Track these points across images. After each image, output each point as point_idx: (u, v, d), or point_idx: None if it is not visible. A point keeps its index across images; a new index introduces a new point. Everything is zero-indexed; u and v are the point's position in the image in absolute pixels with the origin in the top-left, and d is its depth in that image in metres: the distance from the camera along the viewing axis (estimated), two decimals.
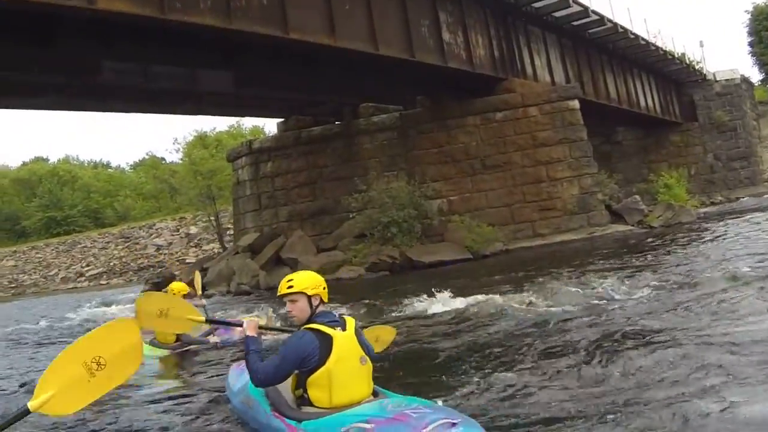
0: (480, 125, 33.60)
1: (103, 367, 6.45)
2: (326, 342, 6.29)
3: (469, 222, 31.61)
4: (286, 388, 6.75)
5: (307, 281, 6.67)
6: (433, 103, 34.42)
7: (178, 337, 13.87)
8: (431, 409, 5.68)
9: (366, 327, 8.29)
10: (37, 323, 25.27)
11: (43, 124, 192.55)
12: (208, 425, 8.16)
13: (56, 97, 26.78)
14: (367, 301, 18.42)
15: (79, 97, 27.27)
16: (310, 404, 6.39)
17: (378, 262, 29.91)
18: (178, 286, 14.76)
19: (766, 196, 50.87)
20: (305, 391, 6.41)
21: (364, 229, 31.82)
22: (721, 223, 29.86)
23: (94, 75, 23.28)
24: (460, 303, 15.04)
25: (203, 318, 8.86)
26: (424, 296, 16.12)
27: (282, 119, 37.93)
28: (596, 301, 12.77)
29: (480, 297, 15.01)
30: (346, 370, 6.29)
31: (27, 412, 6.25)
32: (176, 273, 40.30)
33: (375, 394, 6.53)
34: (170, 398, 9.94)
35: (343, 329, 6.41)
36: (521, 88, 34.06)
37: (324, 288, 6.68)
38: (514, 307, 13.35)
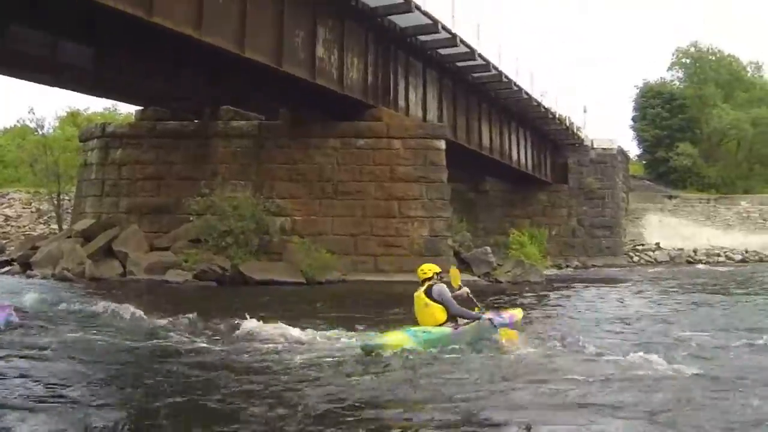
0: (339, 149, 32.79)
1: None
2: None
3: (309, 245, 30.61)
4: None
5: None
6: (295, 119, 33.45)
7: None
8: None
9: None
10: None
11: None
12: None
13: None
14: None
15: None
16: None
17: (207, 270, 28.74)
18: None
19: (621, 269, 51.24)
20: None
21: (200, 234, 30.58)
22: (567, 290, 29.37)
23: None
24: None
25: None
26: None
27: (142, 107, 36.43)
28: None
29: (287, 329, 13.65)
30: None
31: None
32: (11, 247, 38.61)
33: None
34: None
35: None
36: (388, 119, 33.35)
37: None
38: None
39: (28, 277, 29.68)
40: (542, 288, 30.14)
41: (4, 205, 69.88)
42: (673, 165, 75.07)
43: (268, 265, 30.18)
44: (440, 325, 12.48)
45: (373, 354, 11.19)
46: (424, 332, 12.10)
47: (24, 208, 68.08)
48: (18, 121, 78.32)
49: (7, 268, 32.19)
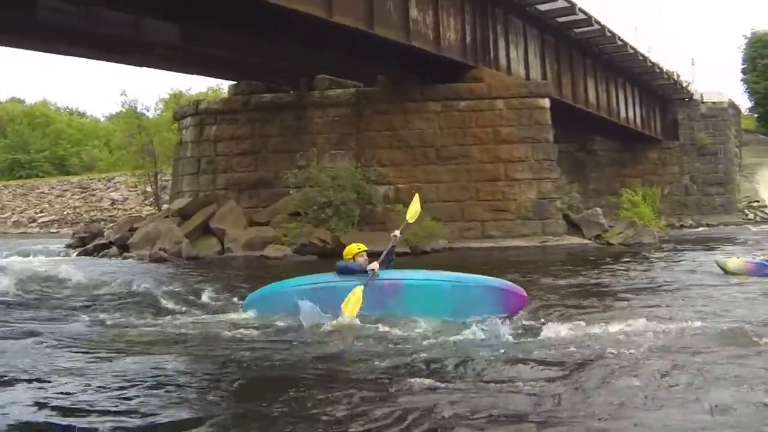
0: (440, 112, 31.78)
1: None
2: None
3: None
4: None
5: None
6: (393, 84, 32.45)
7: None
8: None
9: None
10: None
11: (26, 66, 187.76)
12: None
13: None
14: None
15: (18, 33, 25.70)
16: None
17: (307, 244, 28.09)
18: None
19: (737, 226, 49.16)
20: None
21: (300, 207, 29.95)
22: (681, 252, 27.11)
23: (28, 10, 22.22)
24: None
25: None
26: None
27: (235, 82, 35.85)
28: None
29: None
30: None
31: None
32: (104, 229, 38.26)
33: None
34: None
35: None
36: (490, 79, 32.22)
37: None
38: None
39: (124, 258, 29.38)
40: (657, 250, 27.86)
41: (110, 189, 70.97)
42: None
43: (370, 236, 28.94)
44: None
45: None
46: None
47: (130, 191, 68.98)
48: (123, 106, 79.33)
49: (105, 252, 31.77)
